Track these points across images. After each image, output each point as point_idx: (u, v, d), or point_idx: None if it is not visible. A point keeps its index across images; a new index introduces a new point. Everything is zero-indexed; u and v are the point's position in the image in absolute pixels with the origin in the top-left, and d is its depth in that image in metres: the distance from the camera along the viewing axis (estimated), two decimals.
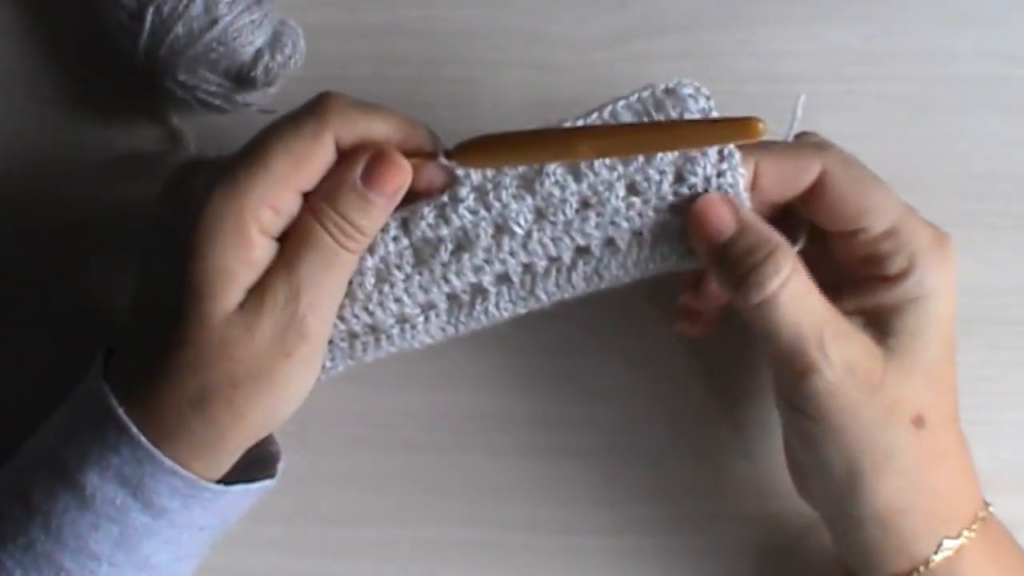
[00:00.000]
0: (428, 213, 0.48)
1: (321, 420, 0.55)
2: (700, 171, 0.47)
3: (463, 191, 0.48)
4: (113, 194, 0.58)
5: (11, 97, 0.59)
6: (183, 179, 0.49)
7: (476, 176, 0.48)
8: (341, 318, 0.49)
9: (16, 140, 0.58)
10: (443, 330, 0.50)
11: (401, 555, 0.57)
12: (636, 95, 0.49)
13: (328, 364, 0.50)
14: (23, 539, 0.46)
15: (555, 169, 0.48)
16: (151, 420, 0.46)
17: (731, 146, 0.47)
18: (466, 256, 0.49)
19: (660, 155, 0.47)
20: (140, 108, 0.58)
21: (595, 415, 0.57)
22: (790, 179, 0.49)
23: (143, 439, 0.46)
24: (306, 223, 0.46)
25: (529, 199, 0.48)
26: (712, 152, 0.47)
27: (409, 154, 0.47)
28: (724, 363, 0.57)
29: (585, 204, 0.48)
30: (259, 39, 0.55)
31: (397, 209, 0.48)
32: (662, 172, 0.48)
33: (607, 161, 0.48)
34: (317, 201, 0.47)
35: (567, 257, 0.49)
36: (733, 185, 0.48)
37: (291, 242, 0.46)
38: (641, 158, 0.47)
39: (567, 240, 0.48)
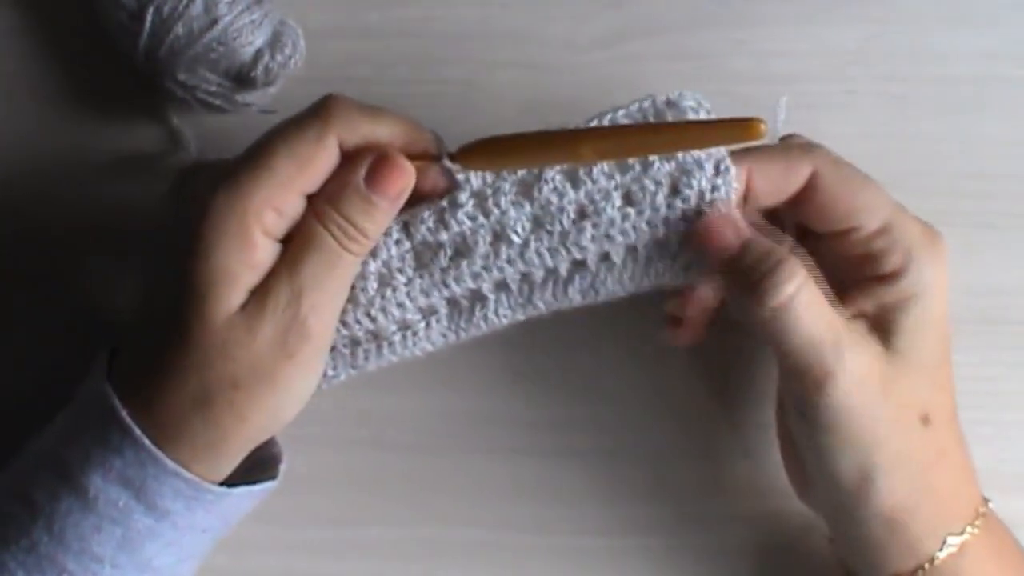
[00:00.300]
0: (428, 217, 0.48)
1: (321, 421, 0.55)
2: (696, 183, 0.47)
3: (462, 196, 0.48)
4: (113, 194, 0.58)
5: (11, 97, 0.59)
6: (187, 181, 0.49)
7: (476, 181, 0.48)
8: (344, 323, 0.49)
9: (16, 140, 0.58)
10: (444, 336, 0.50)
11: (401, 555, 0.57)
12: (636, 104, 0.49)
13: (330, 372, 0.50)
14: (26, 541, 0.46)
15: (554, 176, 0.48)
16: (154, 422, 0.46)
17: (727, 160, 0.48)
18: (465, 262, 0.49)
19: (657, 164, 0.48)
20: (140, 108, 0.58)
21: (596, 415, 0.57)
22: (781, 183, 0.49)
23: (146, 441, 0.46)
24: (309, 225, 0.46)
25: (527, 206, 0.48)
26: (708, 166, 0.47)
27: (413, 157, 0.47)
28: (724, 363, 0.57)
29: (582, 214, 0.48)
30: (259, 39, 0.55)
31: (400, 212, 0.48)
32: (658, 183, 0.48)
33: (605, 169, 0.48)
34: (320, 203, 0.47)
35: (563, 269, 0.49)
36: (726, 200, 0.48)
37: (294, 244, 0.46)
38: (638, 167, 0.48)
39: (563, 252, 0.48)
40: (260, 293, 0.46)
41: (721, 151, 0.47)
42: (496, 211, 0.48)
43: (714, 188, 0.47)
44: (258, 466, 0.51)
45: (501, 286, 0.50)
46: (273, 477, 0.51)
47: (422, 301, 0.49)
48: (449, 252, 0.49)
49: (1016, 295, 0.57)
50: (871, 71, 0.58)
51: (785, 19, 0.59)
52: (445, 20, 0.59)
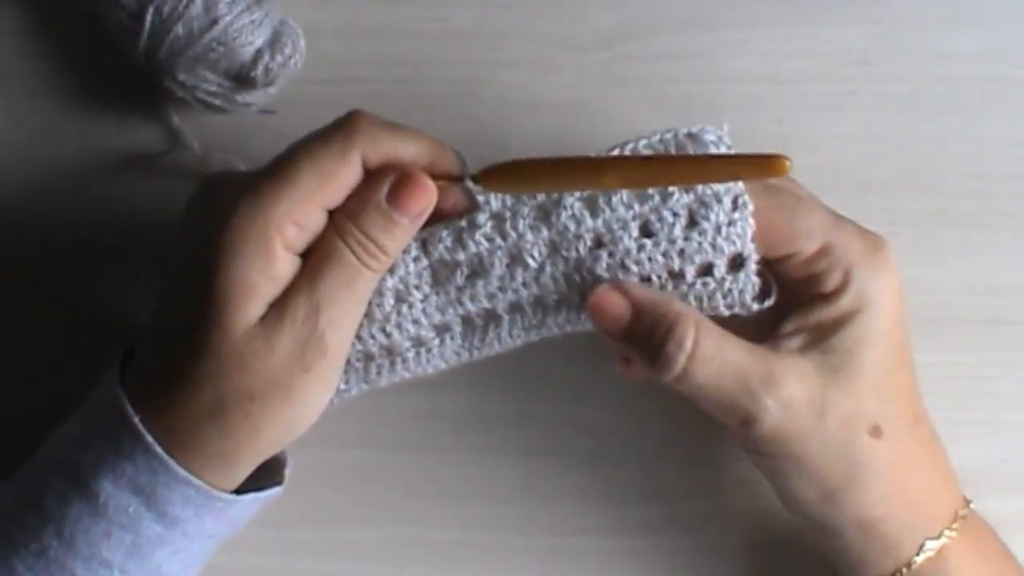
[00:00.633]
0: (447, 236, 0.48)
1: (320, 421, 0.55)
2: (713, 217, 0.47)
3: (481, 217, 0.48)
4: (113, 194, 0.58)
5: (11, 96, 0.58)
6: (208, 192, 0.48)
7: (495, 203, 0.48)
8: (359, 338, 0.49)
9: (16, 140, 0.58)
10: (457, 354, 0.50)
11: (400, 555, 0.57)
12: (658, 135, 0.49)
13: (343, 387, 0.50)
14: (36, 545, 0.46)
15: (573, 203, 0.48)
16: (167, 429, 0.46)
17: (745, 196, 0.47)
18: (480, 282, 0.49)
19: (676, 196, 0.47)
20: (140, 108, 0.58)
21: (592, 416, 0.57)
22: None
23: (158, 448, 0.46)
24: (330, 240, 0.46)
25: (545, 231, 0.48)
26: (727, 200, 0.47)
27: (435, 176, 0.47)
28: None
29: (599, 243, 0.48)
30: (259, 39, 0.55)
31: (420, 230, 0.48)
32: (676, 214, 0.47)
33: (624, 198, 0.48)
34: (342, 219, 0.46)
35: (576, 296, 0.49)
36: (741, 236, 0.47)
37: (314, 258, 0.46)
38: (657, 197, 0.47)
39: (577, 279, 0.48)
40: (279, 306, 0.46)
41: (739, 186, 0.47)
42: (514, 234, 0.48)
43: (731, 223, 0.47)
44: (264, 470, 0.50)
45: (515, 307, 0.50)
46: (279, 482, 0.51)
47: (437, 318, 0.50)
48: (466, 271, 0.49)
49: (1016, 295, 0.57)
50: (871, 71, 0.58)
51: (785, 19, 0.59)
52: (445, 20, 0.59)
